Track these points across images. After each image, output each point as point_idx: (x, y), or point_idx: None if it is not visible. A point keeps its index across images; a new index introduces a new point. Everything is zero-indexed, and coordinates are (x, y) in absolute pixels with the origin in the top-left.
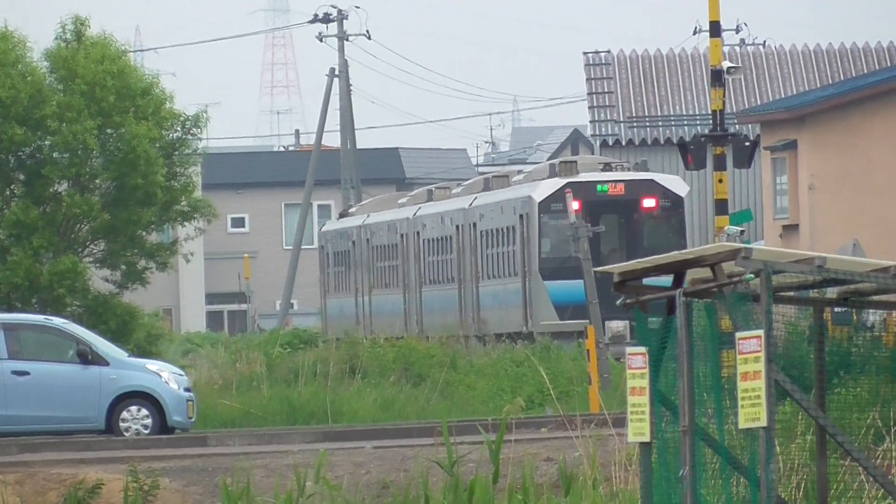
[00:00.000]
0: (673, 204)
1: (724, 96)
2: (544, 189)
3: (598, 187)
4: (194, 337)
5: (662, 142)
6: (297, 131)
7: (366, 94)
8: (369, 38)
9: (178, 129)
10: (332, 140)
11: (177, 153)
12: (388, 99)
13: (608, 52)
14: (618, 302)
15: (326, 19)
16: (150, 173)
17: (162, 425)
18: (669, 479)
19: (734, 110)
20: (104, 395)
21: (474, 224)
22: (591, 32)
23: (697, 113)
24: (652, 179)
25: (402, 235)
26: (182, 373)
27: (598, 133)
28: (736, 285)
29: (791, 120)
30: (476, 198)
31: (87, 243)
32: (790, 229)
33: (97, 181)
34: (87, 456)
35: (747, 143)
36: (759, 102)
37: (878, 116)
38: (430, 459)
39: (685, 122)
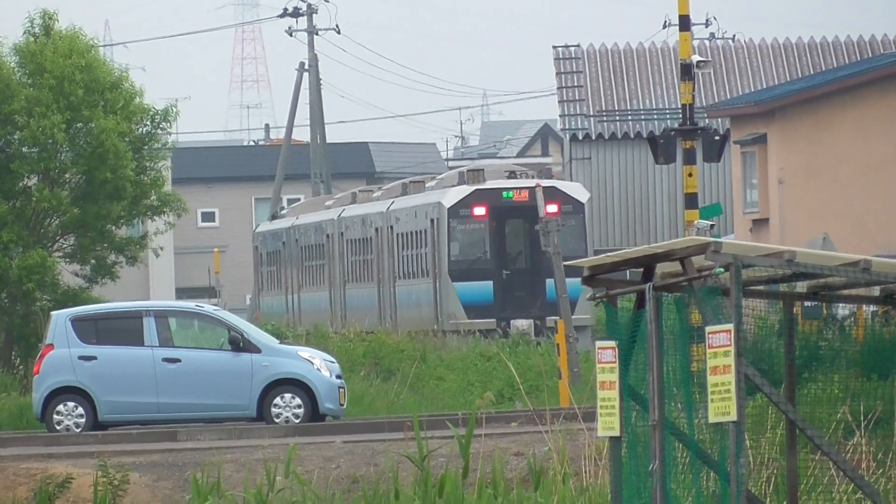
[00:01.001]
0: (574, 209)
1: (693, 90)
2: (453, 195)
3: (504, 194)
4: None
5: (632, 136)
6: (266, 126)
7: (336, 89)
8: (339, 32)
9: (148, 123)
10: (302, 134)
11: (146, 147)
12: (358, 93)
13: (578, 46)
14: (587, 297)
15: (296, 13)
16: (120, 168)
17: (314, 412)
18: (639, 473)
19: (704, 104)
20: (256, 382)
21: (391, 227)
22: (561, 27)
23: (667, 107)
24: (554, 186)
25: (327, 236)
26: (333, 360)
27: (567, 127)
28: (706, 279)
29: (760, 114)
30: (393, 202)
31: (57, 238)
32: (760, 223)
33: (66, 176)
34: (57, 451)
35: (717, 138)
36: (728, 96)
37: (847, 110)
38: (400, 454)
39: (655, 116)
